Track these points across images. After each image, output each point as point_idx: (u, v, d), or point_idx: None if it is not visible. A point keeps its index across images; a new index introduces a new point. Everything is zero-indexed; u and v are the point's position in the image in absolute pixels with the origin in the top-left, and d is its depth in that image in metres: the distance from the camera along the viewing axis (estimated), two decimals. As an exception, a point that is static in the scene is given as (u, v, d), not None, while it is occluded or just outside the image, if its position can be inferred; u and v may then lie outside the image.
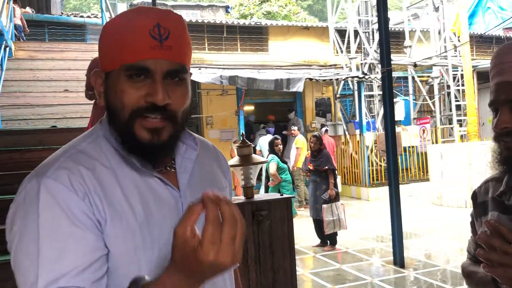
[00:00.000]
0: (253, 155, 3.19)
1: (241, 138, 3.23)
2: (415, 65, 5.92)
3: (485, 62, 12.73)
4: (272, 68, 11.74)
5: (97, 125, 0.93)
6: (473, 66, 10.63)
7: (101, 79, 0.89)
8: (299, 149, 9.35)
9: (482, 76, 12.32)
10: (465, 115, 11.76)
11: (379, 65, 11.35)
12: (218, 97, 11.32)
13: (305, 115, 12.85)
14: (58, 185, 0.78)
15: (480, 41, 13.56)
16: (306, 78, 9.99)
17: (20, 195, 0.81)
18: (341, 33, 12.48)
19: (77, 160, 0.83)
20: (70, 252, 0.75)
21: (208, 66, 11.27)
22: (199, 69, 10.44)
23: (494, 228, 0.90)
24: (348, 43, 11.94)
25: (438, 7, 12.23)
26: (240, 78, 9.26)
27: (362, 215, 8.63)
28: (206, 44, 11.85)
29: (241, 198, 3.20)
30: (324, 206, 6.03)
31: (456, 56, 12.12)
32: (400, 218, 5.37)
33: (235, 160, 3.18)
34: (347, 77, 11.03)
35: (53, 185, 0.78)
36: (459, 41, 11.27)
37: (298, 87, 9.66)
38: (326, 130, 10.68)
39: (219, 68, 10.95)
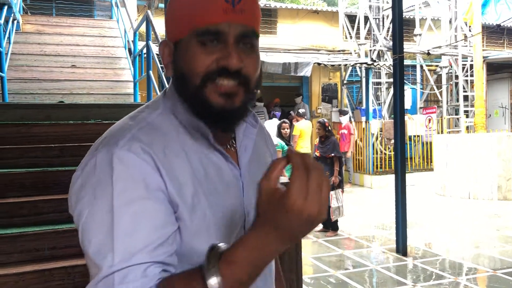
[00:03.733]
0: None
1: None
2: (428, 54, 5.84)
3: (495, 53, 12.60)
4: (280, 52, 11.63)
5: (161, 98, 0.90)
6: (483, 57, 10.52)
7: (170, 49, 0.86)
8: (296, 136, 9.28)
9: (491, 67, 12.20)
10: (472, 106, 11.68)
11: (388, 52, 11.26)
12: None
13: (311, 100, 12.77)
14: (132, 156, 0.76)
15: (491, 32, 13.39)
16: (314, 63, 9.90)
17: (89, 166, 0.78)
18: (351, 18, 12.33)
19: (149, 133, 0.81)
20: (145, 225, 0.73)
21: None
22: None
23: None
24: (358, 28, 11.81)
25: (451, -5, 12.06)
26: (248, 60, 9.18)
27: (365, 203, 8.64)
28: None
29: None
30: (331, 193, 6.02)
31: (466, 46, 11.99)
32: (405, 207, 5.37)
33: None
34: (356, 63, 10.94)
35: (127, 156, 0.76)
36: (470, 30, 11.14)
37: (306, 72, 9.59)
38: (347, 116, 10.68)
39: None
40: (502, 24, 11.85)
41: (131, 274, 0.70)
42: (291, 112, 11.36)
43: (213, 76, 0.80)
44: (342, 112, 10.77)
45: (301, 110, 10.14)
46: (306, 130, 9.42)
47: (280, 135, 6.81)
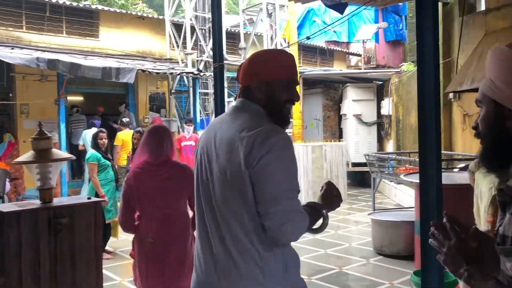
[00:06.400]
0: (54, 150, 2.64)
1: (39, 128, 2.65)
2: None
3: (310, 69, 13.76)
4: (102, 56, 10.82)
5: (259, 121, 1.64)
6: (300, 73, 11.34)
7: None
8: (118, 146, 8.66)
9: (307, 83, 13.25)
10: (290, 117, 12.50)
11: (214, 63, 11.36)
12: (36, 83, 9.96)
13: (138, 109, 12.18)
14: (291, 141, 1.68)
15: (306, 51, 14.63)
16: (139, 70, 9.41)
17: (274, 139, 1.54)
18: (178, 27, 12.17)
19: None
20: (296, 176, 1.64)
21: (25, 46, 9.86)
22: (12, 48, 9.05)
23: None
24: (185, 38, 11.68)
25: (271, 13, 12.78)
26: (61, 63, 8.24)
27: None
28: (24, 22, 10.36)
29: (35, 203, 2.62)
30: None
31: (285, 61, 12.81)
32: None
33: (28, 155, 2.59)
34: (182, 73, 10.77)
35: (291, 140, 1.66)
36: (288, 46, 11.93)
37: (129, 78, 9.04)
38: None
39: (39, 50, 9.67)
40: (312, 44, 12.95)
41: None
42: (113, 124, 10.62)
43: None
44: (189, 121, 9.72)
45: (125, 119, 9.53)
46: (130, 140, 8.84)
47: (97, 146, 6.15)
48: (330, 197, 1.77)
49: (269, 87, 1.65)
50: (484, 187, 3.30)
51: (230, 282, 1.57)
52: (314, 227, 1.72)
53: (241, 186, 1.54)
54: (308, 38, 4.62)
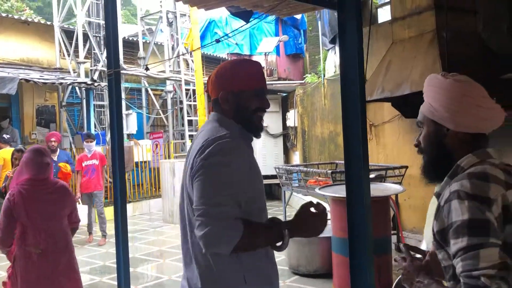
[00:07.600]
0: None
1: None
2: (147, 69, 5.46)
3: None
4: (-23, 64, 9.48)
5: (223, 130, 1.65)
6: (204, 83, 10.91)
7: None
8: None
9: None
10: (196, 130, 12.01)
11: (111, 73, 10.51)
12: None
13: (24, 124, 10.87)
14: (238, 144, 1.63)
15: (210, 62, 14.30)
16: (22, 79, 8.33)
17: (213, 146, 1.56)
18: (69, 34, 11.12)
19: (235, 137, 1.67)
20: (230, 183, 1.57)
21: None
22: None
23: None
24: (77, 46, 10.69)
25: (172, 22, 12.25)
26: None
27: (84, 241, 7.52)
28: None
29: None
30: None
31: (188, 74, 12.34)
32: (127, 244, 4.61)
33: None
34: (74, 83, 9.80)
35: (236, 147, 1.61)
36: (191, 56, 11.48)
37: (10, 89, 7.95)
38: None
39: None
40: (215, 55, 12.66)
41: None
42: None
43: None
44: (87, 136, 8.11)
45: (6, 135, 8.34)
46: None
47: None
48: (305, 217, 1.69)
49: (236, 97, 1.69)
50: (431, 203, 3.09)
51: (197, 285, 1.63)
52: (278, 244, 1.65)
53: (188, 194, 1.63)
54: (217, 41, 4.26)
